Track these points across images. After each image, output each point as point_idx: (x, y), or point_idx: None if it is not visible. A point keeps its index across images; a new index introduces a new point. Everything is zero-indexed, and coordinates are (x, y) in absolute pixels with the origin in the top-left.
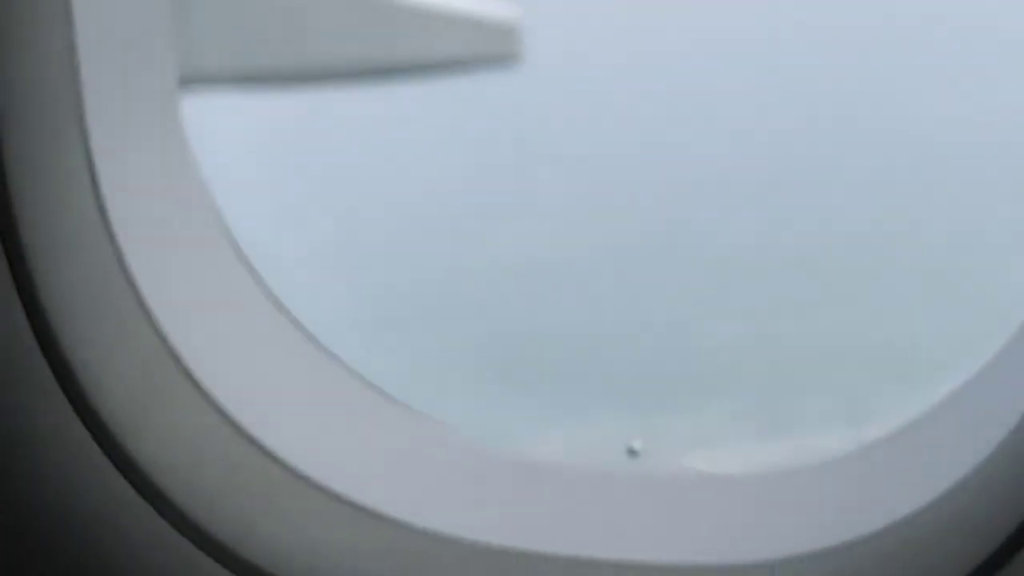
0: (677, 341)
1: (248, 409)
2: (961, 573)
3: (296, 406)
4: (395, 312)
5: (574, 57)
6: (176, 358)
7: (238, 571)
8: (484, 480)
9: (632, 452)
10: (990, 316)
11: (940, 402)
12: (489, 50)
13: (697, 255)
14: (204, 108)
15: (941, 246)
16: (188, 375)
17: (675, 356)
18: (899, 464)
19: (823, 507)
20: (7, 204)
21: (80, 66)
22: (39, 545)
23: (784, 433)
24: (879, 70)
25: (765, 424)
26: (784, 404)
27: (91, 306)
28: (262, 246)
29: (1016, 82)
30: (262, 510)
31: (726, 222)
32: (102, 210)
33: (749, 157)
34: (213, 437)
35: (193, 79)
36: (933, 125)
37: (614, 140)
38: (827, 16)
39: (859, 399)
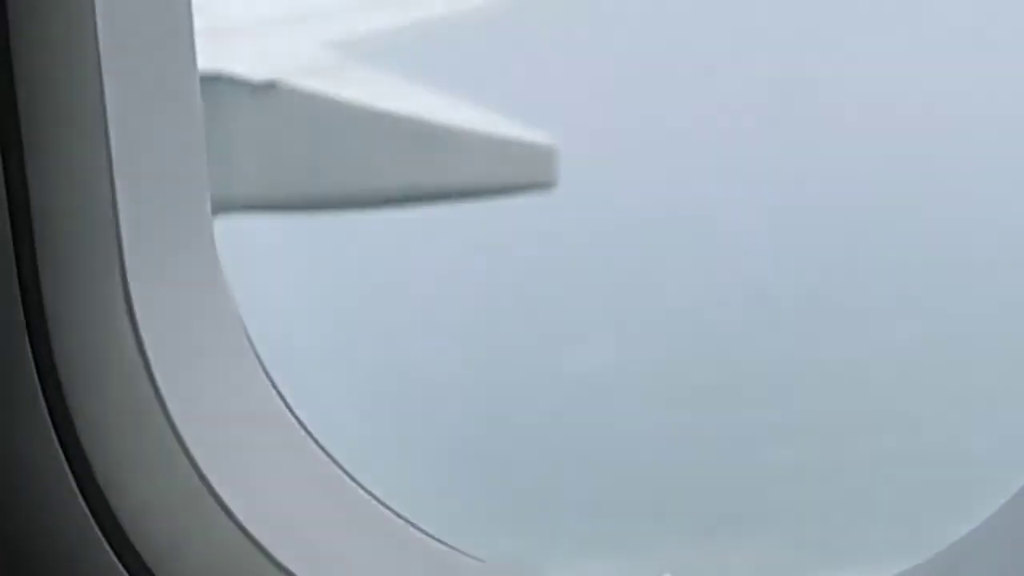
0: (734, 465)
1: (283, 543)
2: None
3: (331, 540)
4: (428, 439)
5: (607, 180)
6: (208, 485)
7: None
8: None
9: None
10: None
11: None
12: (524, 175)
13: (745, 372)
14: (242, 230)
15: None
16: (222, 505)
17: (733, 480)
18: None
19: None
20: (44, 332)
21: (117, 193)
22: None
23: (849, 564)
24: None
25: (828, 554)
26: (847, 532)
27: (126, 435)
28: (297, 371)
29: None
30: None
31: (772, 338)
32: (139, 341)
33: (789, 273)
34: (248, 569)
35: (230, 205)
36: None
37: (648, 260)
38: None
39: (925, 526)
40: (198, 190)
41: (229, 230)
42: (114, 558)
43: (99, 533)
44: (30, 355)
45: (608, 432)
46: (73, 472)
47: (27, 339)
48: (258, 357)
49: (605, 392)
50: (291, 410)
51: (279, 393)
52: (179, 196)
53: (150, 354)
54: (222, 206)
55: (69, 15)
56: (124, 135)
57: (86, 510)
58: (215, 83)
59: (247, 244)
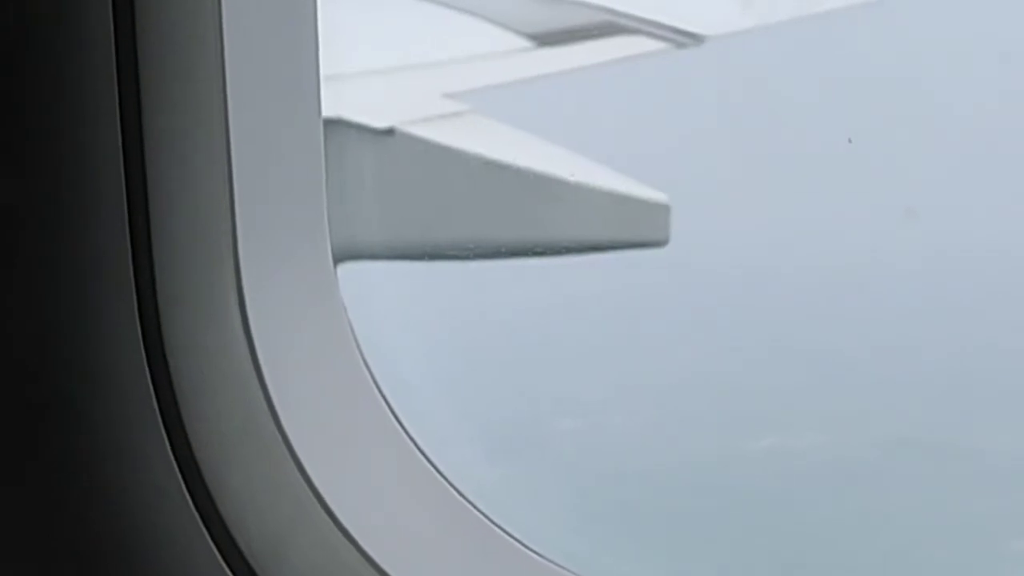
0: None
1: (384, 549)
2: None
3: (434, 550)
4: (535, 464)
5: (718, 238)
6: (320, 500)
7: None
8: None
9: None
10: None
11: None
12: (638, 231)
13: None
14: (357, 276)
15: None
16: (332, 517)
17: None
18: None
19: None
20: (159, 339)
21: (239, 246)
22: None
23: None
24: None
25: None
26: None
27: (234, 437)
28: (412, 404)
29: None
30: None
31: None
32: (250, 342)
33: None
34: (349, 573)
35: (347, 252)
36: None
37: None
38: None
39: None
40: (319, 231)
41: (345, 276)
42: (219, 558)
43: (205, 532)
44: (143, 353)
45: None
46: (181, 471)
47: (141, 338)
48: (370, 371)
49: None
50: (401, 423)
51: (390, 406)
52: (300, 236)
53: (261, 357)
54: (341, 252)
55: (199, 46)
56: (246, 174)
57: (193, 509)
58: (334, 128)
59: (362, 290)
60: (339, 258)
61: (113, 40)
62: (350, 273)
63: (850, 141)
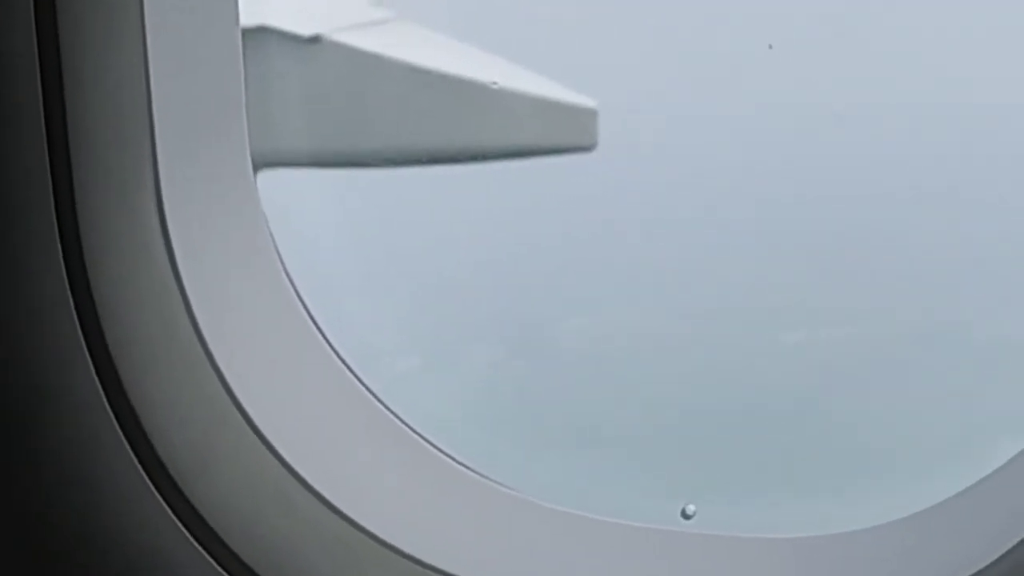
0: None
1: (307, 460)
2: None
3: (359, 461)
4: (462, 377)
5: (647, 144)
6: (241, 409)
7: None
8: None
9: (686, 515)
10: None
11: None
12: (566, 136)
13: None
14: (283, 183)
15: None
16: (252, 426)
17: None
18: (954, 529)
19: (876, 571)
20: (81, 261)
21: (158, 154)
22: None
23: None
24: None
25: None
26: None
27: (160, 359)
28: (332, 312)
29: None
30: (320, 560)
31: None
32: (170, 253)
33: (825, 230)
34: (274, 486)
35: (269, 161)
36: None
37: (687, 220)
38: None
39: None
40: (238, 138)
41: (270, 183)
42: (141, 471)
43: (126, 443)
44: (62, 262)
45: (637, 385)
46: (104, 387)
47: (60, 247)
48: (291, 279)
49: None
50: (324, 335)
51: (313, 320)
52: (219, 143)
53: (181, 267)
54: (265, 159)
55: None
56: (164, 83)
57: (116, 425)
58: (260, 36)
59: (286, 197)
60: (263, 165)
61: None
62: (272, 180)
63: (770, 47)
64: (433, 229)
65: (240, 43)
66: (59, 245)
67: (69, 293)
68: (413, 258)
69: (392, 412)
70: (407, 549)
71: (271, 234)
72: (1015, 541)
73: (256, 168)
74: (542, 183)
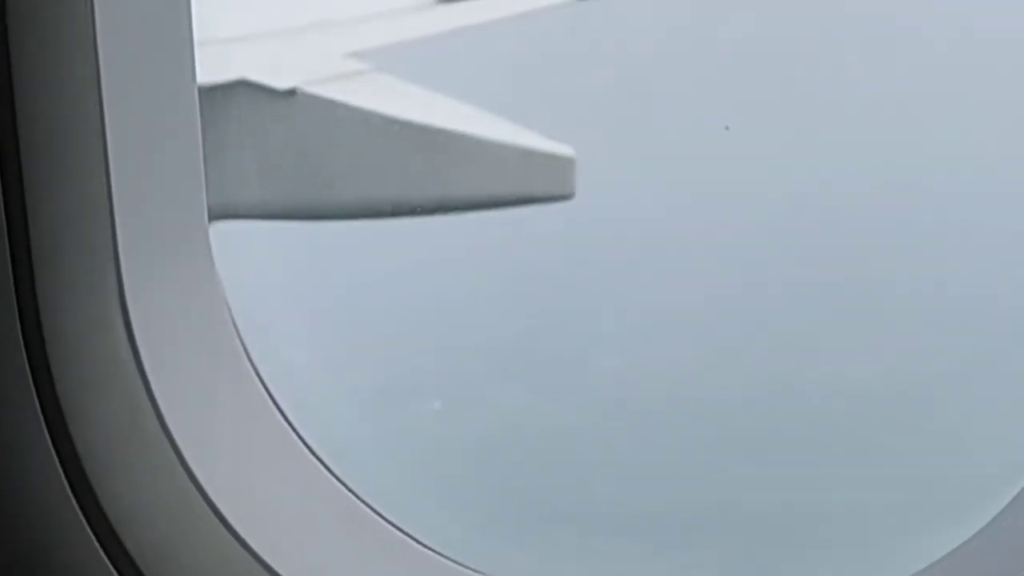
0: (744, 468)
1: (275, 549)
2: None
3: (321, 545)
4: (426, 452)
5: (625, 194)
6: (206, 497)
7: None
8: None
9: None
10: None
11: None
12: (543, 186)
13: (753, 383)
14: (239, 237)
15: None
16: (222, 520)
17: (741, 484)
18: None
19: None
20: (40, 340)
21: (113, 198)
22: None
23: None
24: None
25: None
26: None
27: (121, 439)
28: (297, 381)
29: None
30: None
31: (787, 347)
32: (132, 341)
33: (813, 279)
34: (239, 574)
35: (250, 211)
36: None
37: (665, 277)
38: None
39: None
40: (195, 197)
41: (245, 235)
42: (107, 561)
43: (92, 536)
44: (25, 358)
45: (621, 440)
46: (67, 476)
47: (22, 341)
48: (252, 363)
49: (618, 401)
50: (285, 416)
51: (273, 399)
52: (177, 202)
53: (144, 359)
54: (240, 211)
55: (68, 21)
56: (121, 141)
57: (80, 514)
58: (235, 89)
59: (260, 250)
60: (238, 216)
61: None
62: (241, 233)
63: (727, 128)
64: (412, 280)
65: (196, 96)
66: (21, 340)
67: (33, 390)
68: (379, 316)
69: (364, 502)
70: None
71: (231, 313)
72: None
73: (236, 218)
74: (521, 232)
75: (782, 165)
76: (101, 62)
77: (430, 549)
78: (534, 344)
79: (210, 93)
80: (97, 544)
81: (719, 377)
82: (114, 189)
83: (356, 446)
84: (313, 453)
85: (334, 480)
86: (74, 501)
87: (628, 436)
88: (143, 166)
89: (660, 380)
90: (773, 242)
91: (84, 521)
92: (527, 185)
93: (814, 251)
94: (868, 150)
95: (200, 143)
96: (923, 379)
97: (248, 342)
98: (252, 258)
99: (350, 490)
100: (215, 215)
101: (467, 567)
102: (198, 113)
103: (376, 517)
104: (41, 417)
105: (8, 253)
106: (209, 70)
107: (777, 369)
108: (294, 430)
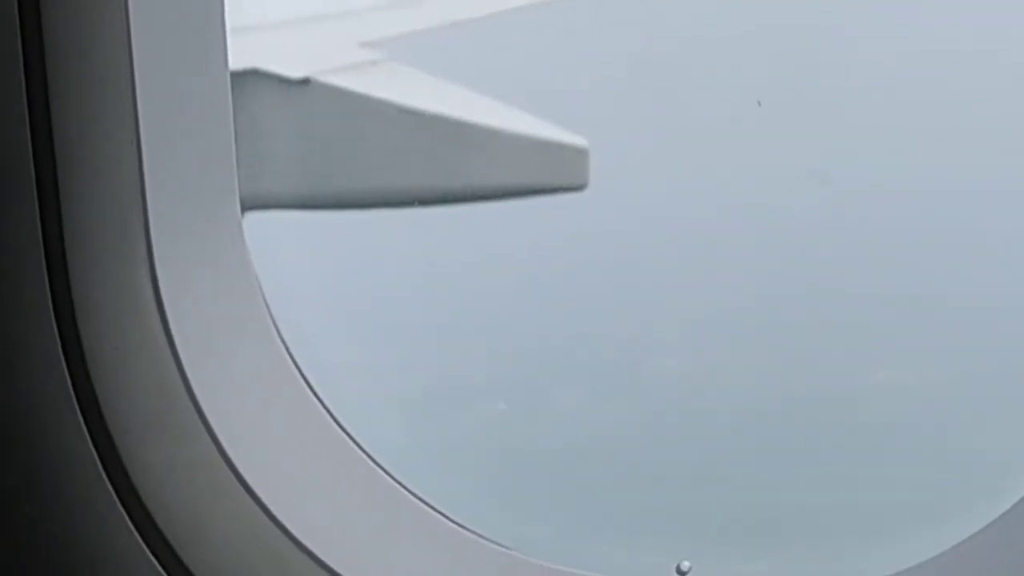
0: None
1: (302, 521)
2: None
3: (349, 519)
4: (451, 433)
5: (638, 184)
6: (234, 469)
7: None
8: None
9: (681, 572)
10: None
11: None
12: (557, 176)
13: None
14: (274, 225)
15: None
16: (248, 490)
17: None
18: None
19: None
20: (71, 315)
21: (146, 184)
22: None
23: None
24: None
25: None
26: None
27: (150, 412)
28: (322, 364)
29: None
30: None
31: (794, 340)
32: (166, 327)
33: (826, 271)
34: (268, 548)
35: (260, 203)
36: None
37: (675, 266)
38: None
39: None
40: (227, 182)
41: (261, 225)
42: (137, 536)
43: (120, 506)
44: (56, 332)
45: (620, 429)
46: (96, 448)
47: (55, 324)
48: (284, 343)
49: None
50: (315, 393)
51: (304, 377)
52: (208, 186)
53: (175, 335)
54: (255, 201)
55: (102, 11)
56: (154, 129)
57: (110, 489)
58: (249, 79)
59: (278, 239)
60: (254, 207)
61: (19, 25)
62: (264, 224)
63: (759, 104)
64: (424, 271)
65: (228, 84)
66: (52, 313)
67: (64, 363)
68: (395, 305)
69: (387, 472)
70: None
71: (263, 293)
72: None
73: (247, 209)
74: (533, 223)
75: (802, 155)
76: (135, 51)
77: (461, 525)
78: (580, 344)
79: None
80: (125, 514)
81: (749, 379)
82: (146, 173)
83: (406, 451)
84: (339, 425)
85: (360, 452)
86: (103, 472)
87: (684, 438)
88: (175, 151)
89: (710, 381)
90: (786, 240)
91: (112, 492)
92: (541, 176)
93: (836, 250)
94: (905, 141)
95: (232, 130)
96: (961, 381)
97: (288, 337)
98: (276, 248)
99: (379, 465)
100: None
101: (492, 541)
102: (230, 101)
103: (402, 490)
104: (71, 390)
105: (40, 233)
106: None
107: (824, 371)
108: (321, 403)
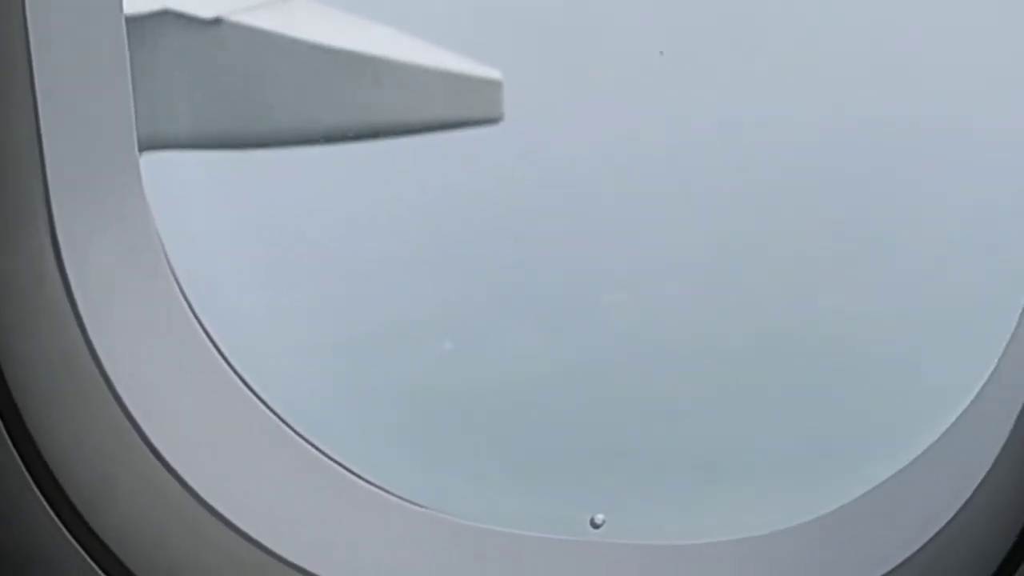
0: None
1: (209, 482)
2: None
3: (256, 478)
4: (355, 379)
5: (554, 116)
6: (140, 433)
7: None
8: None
9: (595, 524)
10: None
11: (918, 456)
12: (472, 109)
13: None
14: (172, 166)
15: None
16: (154, 451)
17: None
18: (876, 521)
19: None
20: None
21: (42, 129)
22: None
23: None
24: None
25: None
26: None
27: (54, 377)
28: (224, 311)
29: None
30: None
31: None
32: (68, 292)
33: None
34: (176, 510)
35: (168, 143)
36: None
37: (592, 202)
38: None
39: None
40: (125, 128)
41: (172, 168)
42: (44, 501)
43: (28, 477)
44: None
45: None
46: (3, 420)
47: None
48: (189, 301)
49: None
50: (222, 353)
51: (209, 336)
52: (106, 135)
53: (77, 296)
54: (168, 143)
55: None
56: (48, 75)
57: (16, 455)
58: (160, 20)
59: (191, 184)
60: (162, 147)
61: None
62: (176, 167)
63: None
64: (348, 211)
65: (124, 28)
66: None
67: None
68: (325, 242)
69: (295, 431)
70: (314, 569)
71: (165, 253)
72: (929, 536)
73: (157, 149)
74: (450, 157)
75: (722, 94)
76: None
77: (367, 481)
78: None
79: (135, 23)
80: (31, 479)
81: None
82: (42, 123)
83: (315, 400)
84: (247, 384)
85: (267, 411)
86: (8, 439)
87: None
88: (71, 99)
89: (659, 314)
90: (704, 168)
91: (19, 458)
92: (455, 109)
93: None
94: (835, 80)
95: (129, 75)
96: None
97: (204, 288)
98: (184, 189)
99: (284, 421)
100: (143, 146)
101: (407, 499)
102: (126, 45)
103: (311, 448)
104: None
105: None
106: (133, 1)
107: (762, 303)
108: (228, 364)
